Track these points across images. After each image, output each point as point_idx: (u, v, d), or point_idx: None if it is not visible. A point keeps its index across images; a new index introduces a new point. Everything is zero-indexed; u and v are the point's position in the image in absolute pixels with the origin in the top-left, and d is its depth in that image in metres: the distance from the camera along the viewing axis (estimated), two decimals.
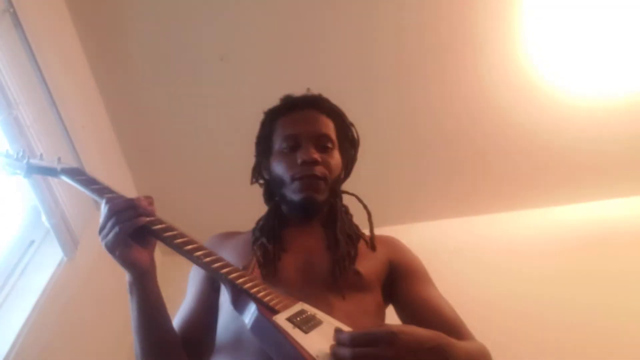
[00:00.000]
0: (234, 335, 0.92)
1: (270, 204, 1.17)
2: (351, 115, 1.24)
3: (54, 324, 1.64)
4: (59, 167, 0.94)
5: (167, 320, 0.94)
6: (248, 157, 1.24)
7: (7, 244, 1.67)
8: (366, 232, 1.16)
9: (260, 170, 1.20)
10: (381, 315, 1.05)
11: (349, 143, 1.19)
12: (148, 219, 0.84)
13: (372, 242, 1.12)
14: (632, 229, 2.31)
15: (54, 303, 1.66)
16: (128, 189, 2.32)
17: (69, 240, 1.77)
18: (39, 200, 1.65)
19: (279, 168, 1.10)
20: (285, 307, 0.83)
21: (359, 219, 1.18)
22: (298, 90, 1.22)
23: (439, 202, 2.48)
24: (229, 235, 1.17)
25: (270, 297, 0.83)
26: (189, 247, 0.84)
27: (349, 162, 1.20)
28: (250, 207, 1.22)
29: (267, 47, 2.13)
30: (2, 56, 1.58)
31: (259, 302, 0.80)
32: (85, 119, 2.08)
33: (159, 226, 0.84)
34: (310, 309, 0.86)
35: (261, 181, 1.21)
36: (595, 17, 2.01)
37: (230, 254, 1.06)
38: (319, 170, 1.06)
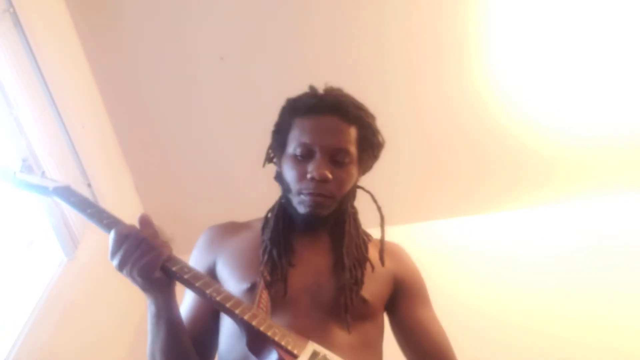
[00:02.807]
0: (239, 357, 0.91)
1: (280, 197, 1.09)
2: None
3: (54, 324, 1.63)
4: (51, 186, 0.92)
5: (187, 338, 0.93)
6: (248, 156, 1.23)
7: (7, 244, 1.66)
8: (371, 231, 1.12)
9: (273, 158, 1.13)
10: (381, 340, 1.05)
11: (372, 151, 1.07)
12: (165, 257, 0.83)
13: (382, 257, 1.06)
14: (633, 228, 2.31)
15: (54, 303, 1.65)
16: (128, 189, 2.33)
17: (69, 240, 1.77)
18: (39, 200, 1.65)
19: (289, 174, 1.02)
20: (300, 349, 0.82)
21: (369, 214, 1.11)
22: (300, 90, 1.15)
23: (446, 200, 2.49)
24: (230, 229, 1.12)
25: (286, 340, 0.82)
26: (200, 282, 0.83)
27: (367, 168, 1.10)
28: (250, 206, 1.22)
29: (267, 47, 2.12)
30: (2, 56, 1.58)
31: (279, 347, 0.80)
32: (85, 118, 2.08)
33: (175, 267, 0.84)
34: (321, 350, 0.85)
35: (275, 160, 1.13)
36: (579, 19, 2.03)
37: (234, 254, 1.05)
38: (328, 189, 0.99)
